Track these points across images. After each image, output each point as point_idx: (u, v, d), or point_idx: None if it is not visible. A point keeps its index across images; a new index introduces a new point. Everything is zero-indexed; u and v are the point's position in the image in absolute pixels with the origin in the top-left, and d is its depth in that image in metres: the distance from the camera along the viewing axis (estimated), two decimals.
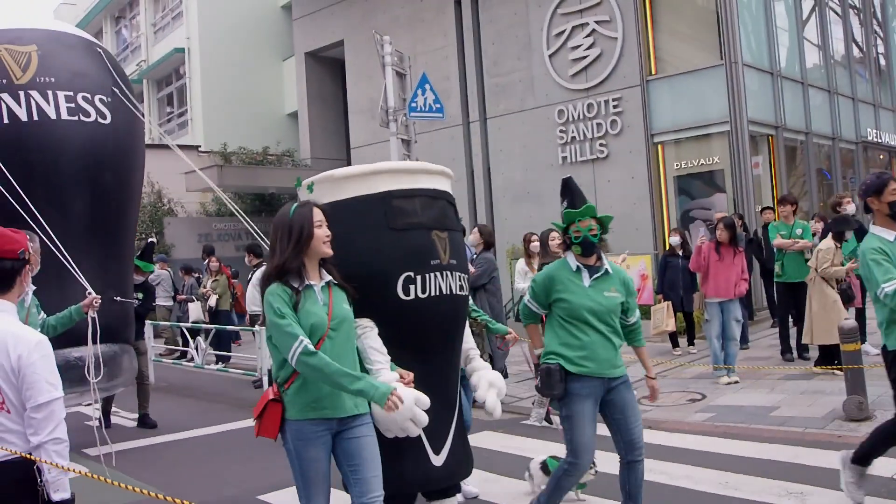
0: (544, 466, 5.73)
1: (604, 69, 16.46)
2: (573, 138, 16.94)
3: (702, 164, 15.67)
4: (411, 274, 4.36)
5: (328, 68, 23.51)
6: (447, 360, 4.73)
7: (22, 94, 7.52)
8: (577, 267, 4.78)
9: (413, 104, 10.08)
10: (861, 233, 10.06)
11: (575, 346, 4.67)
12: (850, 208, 10.13)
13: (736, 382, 9.21)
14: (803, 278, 10.21)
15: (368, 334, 4.20)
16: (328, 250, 3.80)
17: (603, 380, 4.67)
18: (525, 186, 17.33)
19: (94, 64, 8.37)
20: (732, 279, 9.46)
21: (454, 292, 4.57)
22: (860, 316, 10.08)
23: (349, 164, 21.89)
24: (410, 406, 3.84)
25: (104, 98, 8.11)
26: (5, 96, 7.46)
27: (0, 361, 3.08)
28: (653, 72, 16.06)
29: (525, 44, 17.82)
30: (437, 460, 4.53)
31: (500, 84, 18.37)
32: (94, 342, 6.28)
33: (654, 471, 6.19)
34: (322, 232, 3.77)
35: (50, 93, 7.63)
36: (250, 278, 11.55)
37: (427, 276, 4.42)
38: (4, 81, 7.53)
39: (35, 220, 6.79)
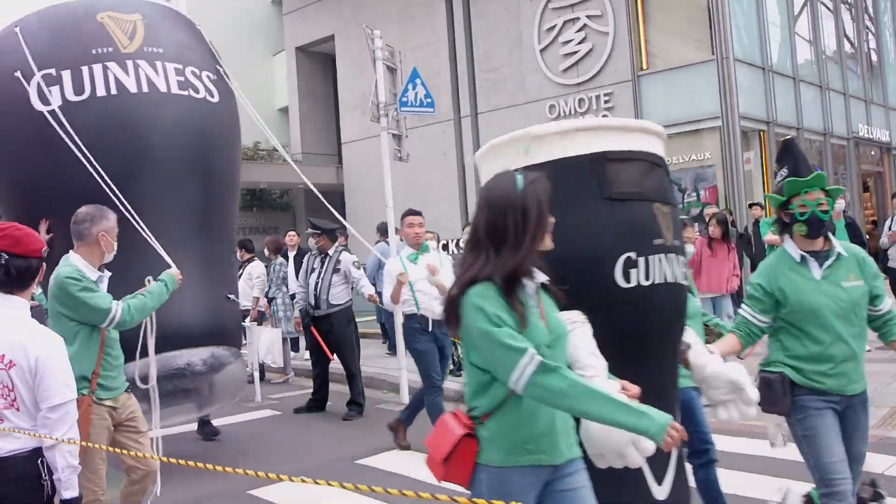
0: (809, 501, 4.52)
1: (595, 64, 16.44)
2: None
3: (693, 159, 15.66)
4: (632, 255, 3.44)
5: (319, 63, 23.42)
6: (666, 365, 3.81)
7: (130, 63, 6.71)
8: (802, 256, 3.96)
9: (404, 99, 10.02)
10: (852, 228, 10.08)
11: (806, 358, 3.91)
12: (839, 205, 10.14)
13: None
14: None
15: (580, 331, 3.07)
16: (551, 242, 2.81)
17: (841, 397, 3.95)
18: None
19: (196, 39, 7.72)
20: (724, 275, 9.46)
21: (678, 280, 3.66)
22: None
23: (340, 159, 21.88)
24: None
25: (210, 75, 7.34)
26: (112, 65, 6.63)
27: (18, 360, 3.13)
28: (644, 67, 16.05)
29: (516, 39, 17.79)
30: (660, 492, 3.58)
31: (491, 79, 18.34)
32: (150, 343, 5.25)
33: None
34: (550, 218, 2.79)
35: (159, 64, 6.86)
36: (240, 274, 11.49)
37: (650, 258, 3.50)
38: (110, 50, 6.71)
39: (129, 204, 6.00)
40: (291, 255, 12.02)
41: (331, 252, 8.96)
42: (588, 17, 16.48)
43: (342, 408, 8.90)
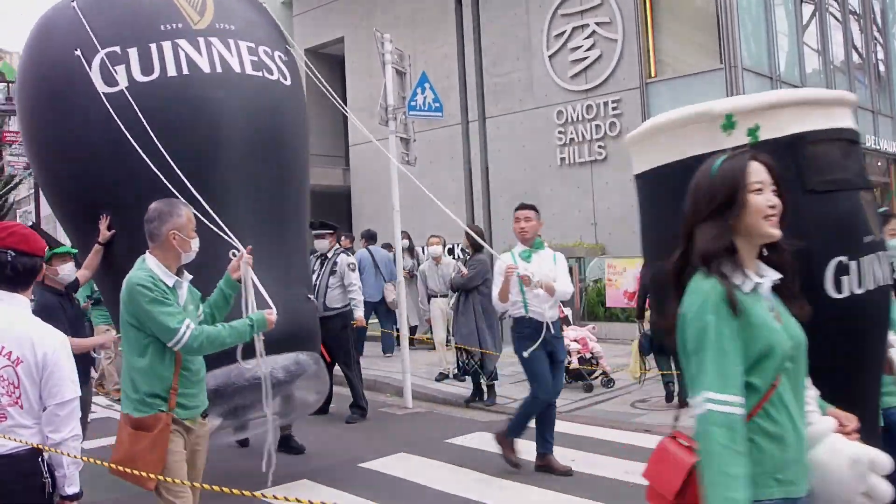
0: None
1: (603, 71, 16.46)
2: (572, 139, 16.94)
3: None
4: (843, 259, 2.86)
5: (328, 65, 23.46)
6: (877, 381, 3.19)
7: (202, 40, 5.99)
8: None
9: (412, 103, 10.06)
10: None
11: None
12: None
13: None
14: None
15: None
16: (773, 230, 2.35)
17: None
18: (523, 187, 17.32)
19: (264, 16, 7.04)
20: None
21: (887, 281, 3.04)
22: None
23: (347, 161, 21.93)
24: (864, 472, 2.35)
25: (281, 56, 6.58)
26: (183, 43, 5.90)
27: (25, 356, 3.14)
28: (652, 74, 16.07)
29: (525, 44, 17.82)
30: None
31: (499, 84, 18.37)
32: (248, 306, 4.53)
33: None
34: (763, 200, 2.35)
35: (231, 42, 6.14)
36: None
37: (862, 261, 2.91)
38: (180, 26, 6.00)
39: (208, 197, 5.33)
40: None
41: (329, 254, 8.95)
42: (597, 23, 16.51)
43: (346, 410, 8.93)
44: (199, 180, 5.37)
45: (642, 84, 15.96)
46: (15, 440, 3.12)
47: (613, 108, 16.30)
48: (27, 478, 3.14)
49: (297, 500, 3.50)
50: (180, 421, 3.97)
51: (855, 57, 21.12)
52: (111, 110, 5.59)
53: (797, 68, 17.70)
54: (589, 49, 16.68)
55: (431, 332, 11.51)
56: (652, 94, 15.97)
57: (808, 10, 18.77)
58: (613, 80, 16.35)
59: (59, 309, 5.39)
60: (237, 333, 4.21)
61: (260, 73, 6.21)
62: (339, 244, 9.35)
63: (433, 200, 7.17)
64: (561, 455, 6.75)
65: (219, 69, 5.96)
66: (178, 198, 4.77)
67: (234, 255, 4.44)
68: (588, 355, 9.58)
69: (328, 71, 23.59)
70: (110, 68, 5.77)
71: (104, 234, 5.87)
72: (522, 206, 6.92)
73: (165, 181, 5.26)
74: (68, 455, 3.17)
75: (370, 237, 13.24)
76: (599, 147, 16.48)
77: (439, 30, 19.40)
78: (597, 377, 9.70)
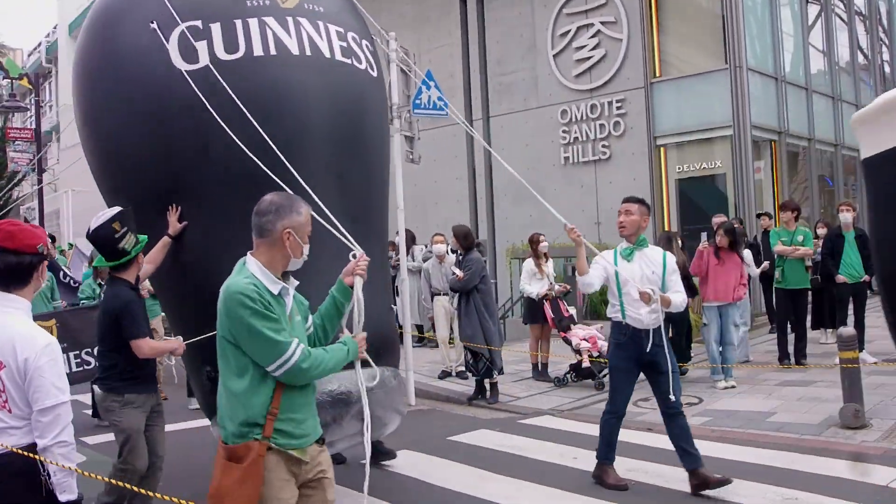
0: None
1: (608, 70, 16.46)
2: (576, 139, 16.94)
3: (704, 167, 15.68)
4: None
5: None
6: None
7: (290, 20, 5.41)
8: None
9: (417, 101, 10.07)
10: (862, 240, 10.08)
11: None
12: (846, 216, 10.16)
13: (733, 387, 9.21)
14: (804, 285, 10.27)
15: None
16: None
17: None
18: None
19: (350, 2, 6.37)
20: (731, 283, 9.47)
21: None
22: (859, 324, 10.09)
23: None
24: None
25: (368, 45, 6.00)
26: (270, 21, 5.33)
27: (7, 360, 3.08)
28: (657, 74, 16.06)
29: (530, 43, 17.82)
30: None
31: (503, 83, 18.38)
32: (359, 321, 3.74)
33: (649, 473, 6.21)
34: None
35: (321, 24, 5.54)
36: None
37: None
38: (267, 3, 5.42)
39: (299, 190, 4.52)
40: None
41: None
42: (602, 23, 16.50)
43: None
44: (282, 174, 4.71)
45: (647, 84, 15.95)
46: (2, 445, 3.08)
47: (618, 108, 16.30)
48: (20, 476, 3.09)
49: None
50: (285, 452, 3.26)
51: (860, 58, 21.11)
52: (196, 90, 4.97)
53: (802, 69, 17.68)
54: (594, 48, 16.68)
55: (434, 330, 11.53)
56: (656, 94, 15.97)
57: (813, 10, 18.76)
58: (618, 80, 16.35)
59: (138, 303, 5.08)
60: (337, 359, 3.45)
61: (349, 61, 5.62)
62: None
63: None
64: (560, 452, 6.75)
65: (308, 52, 5.37)
66: (258, 188, 4.11)
67: (353, 257, 3.84)
68: (596, 353, 9.59)
69: None
70: (192, 43, 5.15)
71: (174, 225, 5.30)
72: (626, 199, 6.19)
73: (263, 167, 4.65)
74: (53, 463, 3.09)
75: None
76: (604, 146, 16.49)
77: (444, 29, 19.41)
78: (605, 375, 9.70)
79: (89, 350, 7.45)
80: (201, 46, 5.15)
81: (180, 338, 5.17)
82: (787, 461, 6.37)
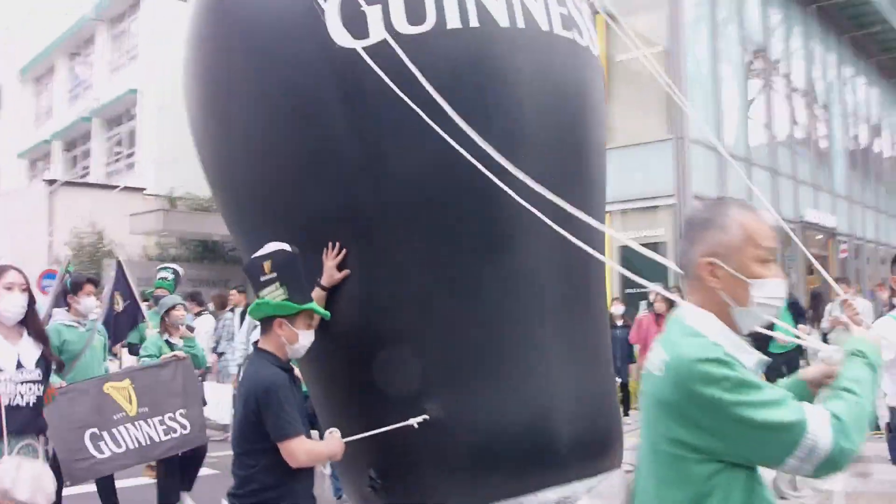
0: None
1: None
2: None
3: (646, 235, 15.90)
4: None
5: None
6: None
7: None
8: None
9: None
10: (795, 308, 10.27)
11: None
12: None
13: None
14: None
15: None
16: None
17: None
18: None
19: None
20: None
21: None
22: None
23: None
24: None
25: (587, 20, 4.36)
26: None
27: None
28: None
29: None
30: None
31: None
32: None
33: None
34: None
35: None
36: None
37: None
38: None
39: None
40: (238, 311, 11.89)
41: None
42: None
43: None
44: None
45: None
46: None
47: None
48: None
49: None
50: None
51: (798, 133, 21.76)
52: (379, 71, 3.40)
53: (743, 142, 18.15)
54: None
55: None
56: None
57: (754, 85, 19.33)
58: None
59: (286, 388, 3.47)
60: (870, 387, 2.04)
61: (570, 35, 4.09)
62: None
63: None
64: None
65: (520, 23, 3.83)
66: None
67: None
68: None
69: None
70: (364, 11, 3.62)
71: (331, 274, 3.68)
72: None
73: (491, 177, 3.23)
74: None
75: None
76: None
77: None
78: None
79: (172, 415, 6.42)
80: (374, 15, 3.62)
81: (336, 433, 3.56)
82: None
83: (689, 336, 2.04)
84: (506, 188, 3.15)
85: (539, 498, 3.35)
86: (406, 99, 3.31)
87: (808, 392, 2.22)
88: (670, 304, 9.68)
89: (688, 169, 15.17)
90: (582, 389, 3.57)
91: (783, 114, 20.83)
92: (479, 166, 3.19)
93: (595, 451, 3.62)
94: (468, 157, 3.20)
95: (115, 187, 22.94)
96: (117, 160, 27.62)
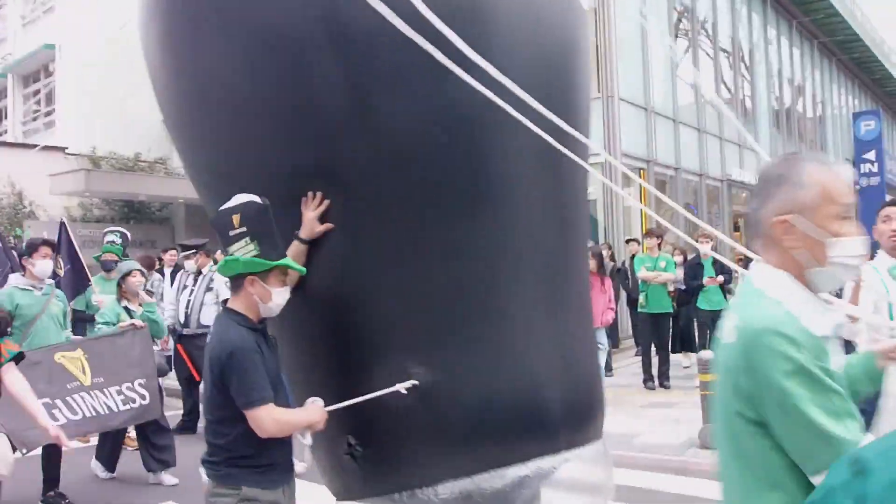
0: None
1: None
2: None
3: None
4: None
5: None
6: None
7: None
8: None
9: None
10: (720, 267, 10.45)
11: None
12: (704, 247, 10.14)
13: None
14: (666, 310, 10.58)
15: None
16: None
17: None
18: None
19: None
20: (599, 308, 9.65)
21: None
22: None
23: None
24: None
25: None
26: None
27: None
28: None
29: None
30: None
31: None
32: None
33: None
34: None
35: None
36: None
37: None
38: None
39: None
40: (168, 271, 11.67)
41: (205, 270, 8.74)
42: None
43: None
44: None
45: None
46: None
47: None
48: None
49: None
50: None
51: (724, 92, 22.12)
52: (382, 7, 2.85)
53: (671, 101, 18.38)
54: None
55: None
56: None
57: (681, 45, 19.55)
58: None
59: (255, 351, 3.21)
60: None
61: None
62: (215, 260, 9.11)
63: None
64: None
65: None
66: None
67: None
68: None
69: None
70: None
71: (311, 226, 3.28)
72: (889, 203, 4.85)
73: (533, 127, 2.98)
74: None
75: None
76: None
77: None
78: None
79: (130, 385, 6.37)
80: None
81: (319, 402, 3.26)
82: (648, 481, 6.52)
83: (761, 300, 1.93)
84: (556, 145, 2.96)
85: (529, 467, 3.17)
86: (420, 39, 2.78)
87: (875, 369, 2.21)
88: (599, 262, 9.79)
89: (616, 128, 15.30)
90: (569, 354, 3.39)
91: (709, 74, 21.14)
92: (531, 125, 2.91)
93: (583, 419, 3.44)
94: (509, 108, 2.87)
95: (34, 146, 22.21)
96: (35, 119, 26.72)
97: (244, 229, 3.14)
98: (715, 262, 10.55)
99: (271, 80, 3.19)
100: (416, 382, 3.09)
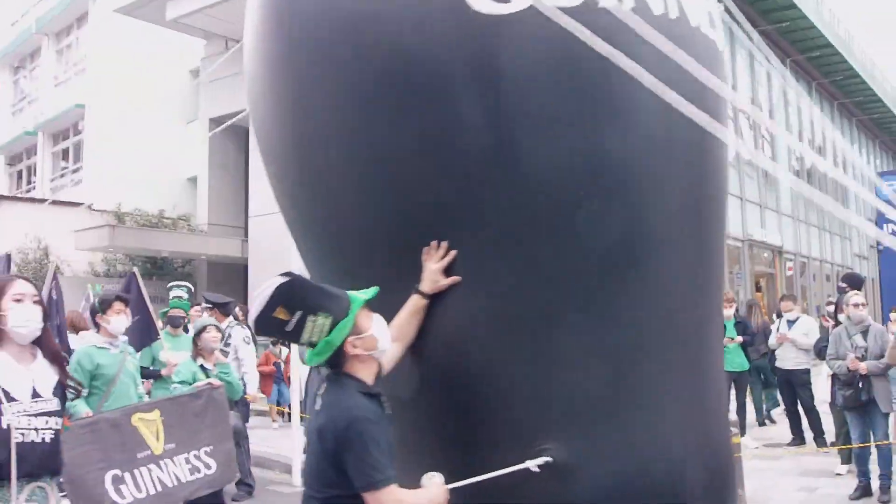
0: None
1: None
2: None
3: None
4: None
5: (232, 134, 23.26)
6: None
7: None
8: None
9: None
10: (742, 326, 10.38)
11: None
12: (728, 311, 10.15)
13: None
14: None
15: None
16: None
17: None
18: None
19: None
20: None
21: None
22: (740, 409, 10.31)
23: (246, 234, 21.69)
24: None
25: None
26: None
27: None
28: None
29: None
30: None
31: None
32: None
33: None
34: None
35: None
36: None
37: None
38: None
39: None
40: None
41: (223, 326, 8.80)
42: None
43: (232, 488, 8.61)
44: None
45: None
46: None
47: None
48: None
49: None
50: None
51: (744, 153, 22.16)
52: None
53: None
54: None
55: None
56: None
57: None
58: None
59: (376, 424, 2.78)
60: None
61: (713, 35, 3.33)
62: (235, 317, 9.20)
63: None
64: None
65: (672, 13, 3.03)
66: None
67: None
68: None
69: (233, 141, 23.47)
70: None
71: (435, 278, 2.94)
72: None
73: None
74: None
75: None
76: None
77: None
78: None
79: (197, 453, 5.82)
80: None
81: (438, 478, 2.85)
82: None
83: None
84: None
85: None
86: (623, 61, 2.25)
87: None
88: None
89: None
90: (709, 427, 3.13)
91: (730, 135, 21.18)
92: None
93: (721, 495, 3.21)
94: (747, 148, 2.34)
95: (61, 203, 22.54)
96: (62, 175, 27.14)
97: (299, 313, 2.75)
98: (737, 323, 10.46)
99: (403, 121, 2.93)
100: (549, 459, 2.79)
